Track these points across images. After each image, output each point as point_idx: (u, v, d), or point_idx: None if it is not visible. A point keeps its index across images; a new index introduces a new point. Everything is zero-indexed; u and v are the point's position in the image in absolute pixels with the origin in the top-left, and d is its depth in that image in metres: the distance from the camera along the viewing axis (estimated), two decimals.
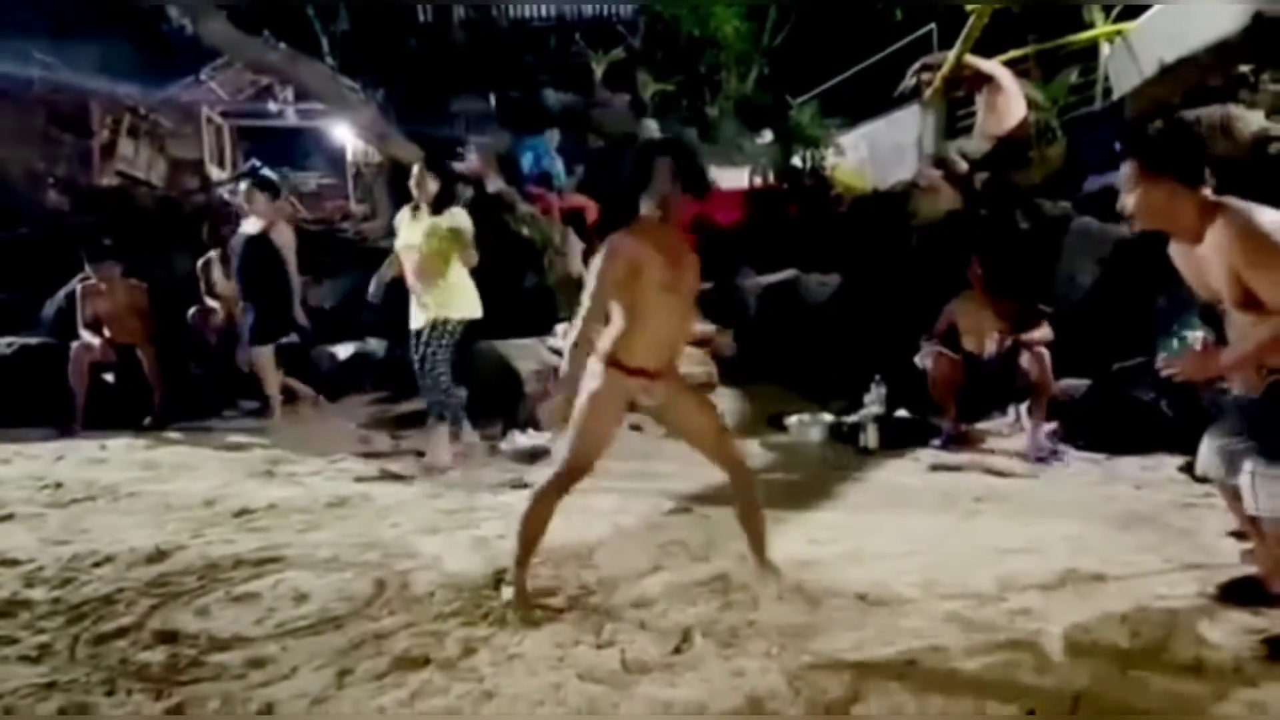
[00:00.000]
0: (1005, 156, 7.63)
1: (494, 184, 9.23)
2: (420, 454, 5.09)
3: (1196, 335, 3.10)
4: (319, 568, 3.14)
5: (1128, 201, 2.54)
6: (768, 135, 12.61)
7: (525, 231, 8.54)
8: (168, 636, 2.54)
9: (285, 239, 6.05)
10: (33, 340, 6.86)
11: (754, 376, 6.94)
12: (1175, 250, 2.60)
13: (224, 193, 11.93)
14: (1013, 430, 5.54)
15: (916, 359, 5.35)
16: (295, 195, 14.10)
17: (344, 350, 7.63)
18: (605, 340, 2.70)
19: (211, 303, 6.94)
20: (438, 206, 4.84)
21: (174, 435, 5.95)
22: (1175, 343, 2.69)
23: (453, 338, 4.83)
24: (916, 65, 8.76)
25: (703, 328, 2.77)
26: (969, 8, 7.80)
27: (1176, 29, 7.37)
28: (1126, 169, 2.53)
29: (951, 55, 8.08)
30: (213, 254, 7.01)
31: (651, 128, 12.85)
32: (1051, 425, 5.23)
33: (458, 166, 9.28)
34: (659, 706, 2.10)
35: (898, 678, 2.20)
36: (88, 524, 3.76)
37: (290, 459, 5.11)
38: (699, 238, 2.88)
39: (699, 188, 2.79)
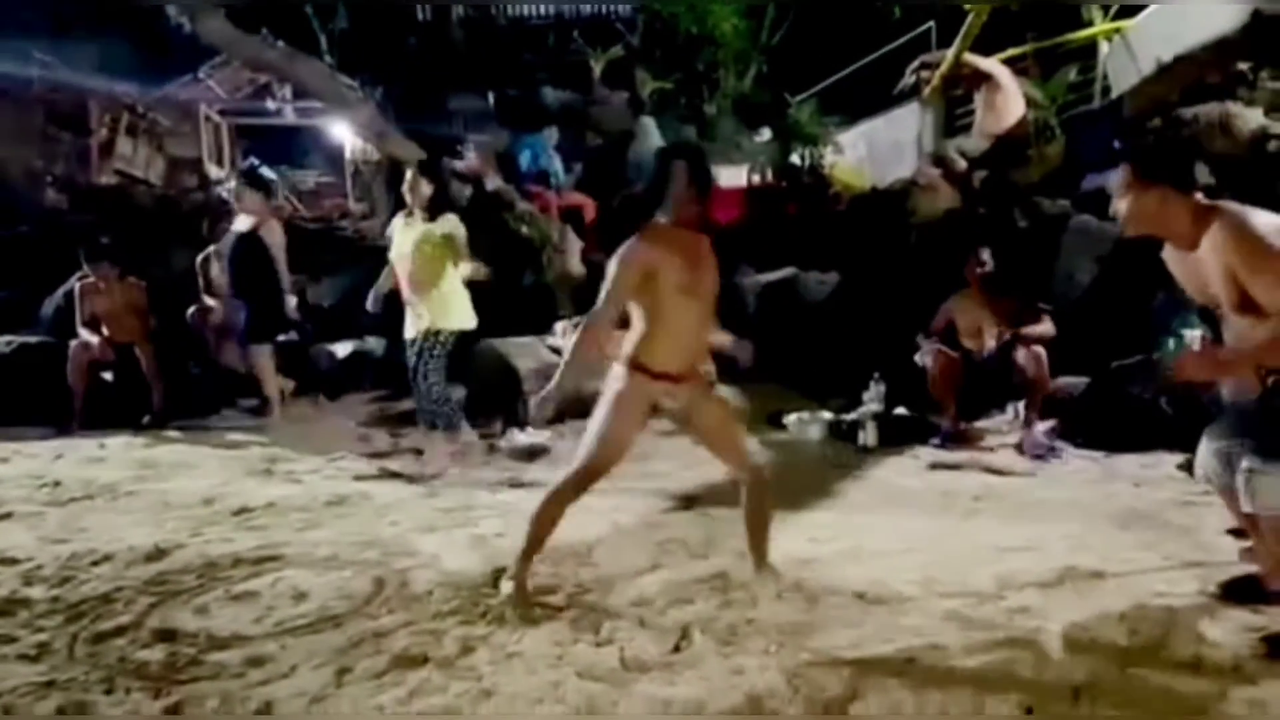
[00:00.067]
0: (1004, 155, 7.64)
1: (492, 182, 9.24)
2: (419, 452, 5.09)
3: (1194, 334, 3.11)
4: (318, 566, 3.14)
5: (1120, 207, 2.54)
6: (766, 133, 12.58)
7: (524, 230, 8.54)
8: (166, 635, 2.54)
9: (275, 237, 6.03)
10: (31, 339, 6.86)
11: (753, 374, 6.90)
12: (1170, 256, 2.60)
13: (223, 191, 11.91)
14: (1012, 428, 5.54)
15: (915, 357, 5.35)
16: (294, 193, 14.10)
17: (343, 348, 7.65)
18: (627, 344, 2.70)
19: (210, 300, 6.93)
20: (432, 211, 4.77)
21: (173, 434, 5.94)
22: (1173, 341, 2.69)
23: (445, 348, 4.79)
24: (915, 63, 8.77)
25: (719, 338, 2.75)
26: (968, 6, 7.78)
27: (1175, 27, 7.37)
28: (1119, 174, 2.53)
29: (950, 53, 8.08)
30: (212, 250, 7.00)
31: (650, 126, 12.84)
32: (1050, 423, 5.24)
33: (456, 165, 9.30)
34: (658, 705, 2.10)
35: (896, 675, 2.20)
36: (86, 522, 3.76)
37: (289, 457, 5.11)
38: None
39: (708, 189, 2.78)
